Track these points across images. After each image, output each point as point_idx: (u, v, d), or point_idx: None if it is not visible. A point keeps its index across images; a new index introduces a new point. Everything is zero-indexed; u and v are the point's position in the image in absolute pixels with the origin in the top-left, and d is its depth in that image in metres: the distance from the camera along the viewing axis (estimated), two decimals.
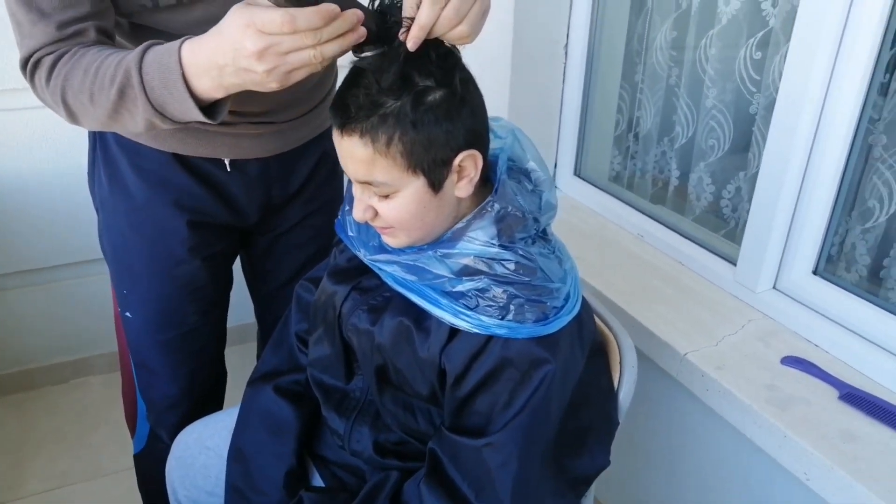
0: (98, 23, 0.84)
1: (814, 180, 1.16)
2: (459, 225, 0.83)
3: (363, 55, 0.75)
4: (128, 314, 1.16)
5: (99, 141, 1.08)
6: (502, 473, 0.79)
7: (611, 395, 0.93)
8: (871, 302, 1.14)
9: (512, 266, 0.80)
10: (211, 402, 1.31)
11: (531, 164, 0.89)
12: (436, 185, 0.79)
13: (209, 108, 0.80)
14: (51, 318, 2.04)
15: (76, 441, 1.92)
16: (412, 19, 0.72)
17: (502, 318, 0.79)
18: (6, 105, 1.71)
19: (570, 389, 0.85)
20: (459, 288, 0.81)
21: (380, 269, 0.87)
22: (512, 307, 0.79)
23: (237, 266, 1.31)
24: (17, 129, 1.76)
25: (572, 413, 0.86)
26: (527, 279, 0.80)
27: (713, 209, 1.61)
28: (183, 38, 0.76)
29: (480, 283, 0.80)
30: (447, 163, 0.78)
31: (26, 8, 0.81)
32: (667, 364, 1.20)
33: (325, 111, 1.17)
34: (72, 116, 0.85)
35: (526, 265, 0.81)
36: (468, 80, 0.79)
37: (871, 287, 1.21)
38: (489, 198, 0.83)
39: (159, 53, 0.77)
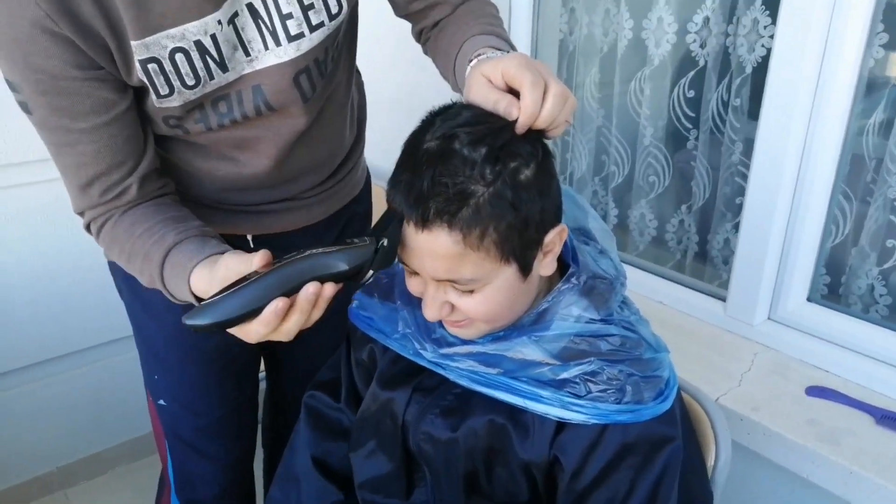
0: (140, 174, 0.83)
1: (804, 209, 1.18)
2: (544, 304, 0.73)
3: (365, 281, 0.71)
4: (161, 402, 1.05)
5: None
6: None
7: (703, 466, 0.85)
8: (870, 321, 1.17)
9: (618, 342, 0.71)
10: (250, 496, 1.20)
11: (592, 223, 0.81)
12: (526, 269, 0.69)
13: None
14: None
15: None
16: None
17: (619, 402, 0.69)
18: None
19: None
20: (564, 375, 0.70)
21: (450, 367, 0.74)
22: (628, 388, 0.69)
23: None
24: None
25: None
26: (637, 354, 0.71)
27: (659, 243, 1.63)
28: (192, 267, 0.75)
29: (591, 365, 0.69)
30: (539, 243, 0.69)
31: (68, 177, 0.81)
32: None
33: (351, 182, 1.11)
34: None
35: (630, 338, 0.72)
36: (548, 150, 0.70)
37: (838, 301, 1.26)
38: (571, 268, 0.74)
39: (175, 274, 0.77)
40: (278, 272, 0.65)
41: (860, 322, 1.18)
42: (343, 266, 0.65)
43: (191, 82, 0.79)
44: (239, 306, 0.65)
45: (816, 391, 1.12)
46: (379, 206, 1.30)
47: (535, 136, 0.68)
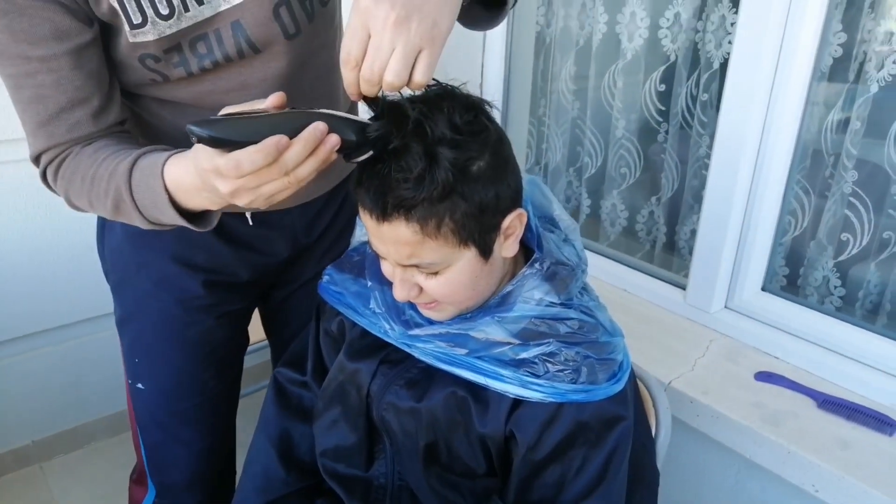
0: (107, 119, 0.82)
1: (759, 201, 1.23)
2: (508, 287, 0.77)
3: (357, 160, 0.70)
4: (139, 385, 1.07)
5: None
6: None
7: (653, 447, 0.91)
8: (819, 310, 1.24)
9: (576, 325, 0.76)
10: (225, 480, 1.18)
11: (557, 212, 0.86)
12: (487, 252, 0.73)
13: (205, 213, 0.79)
14: None
15: None
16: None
17: (575, 382, 0.74)
18: None
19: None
20: (524, 355, 0.74)
21: (416, 347, 0.78)
22: (584, 369, 0.74)
23: None
24: None
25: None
26: (594, 337, 0.76)
27: (629, 233, 1.68)
28: (166, 158, 0.75)
29: (550, 346, 0.74)
30: (497, 227, 0.73)
31: (27, 114, 0.79)
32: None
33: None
34: (83, 211, 0.86)
35: (588, 322, 0.77)
36: (502, 137, 0.74)
37: (796, 292, 1.32)
38: (535, 254, 0.79)
39: (145, 174, 0.76)
40: (289, 114, 0.65)
41: (810, 311, 1.24)
42: (350, 135, 0.66)
43: (164, 11, 0.78)
44: (243, 131, 0.64)
45: (764, 376, 1.18)
46: None
47: (485, 123, 0.70)
